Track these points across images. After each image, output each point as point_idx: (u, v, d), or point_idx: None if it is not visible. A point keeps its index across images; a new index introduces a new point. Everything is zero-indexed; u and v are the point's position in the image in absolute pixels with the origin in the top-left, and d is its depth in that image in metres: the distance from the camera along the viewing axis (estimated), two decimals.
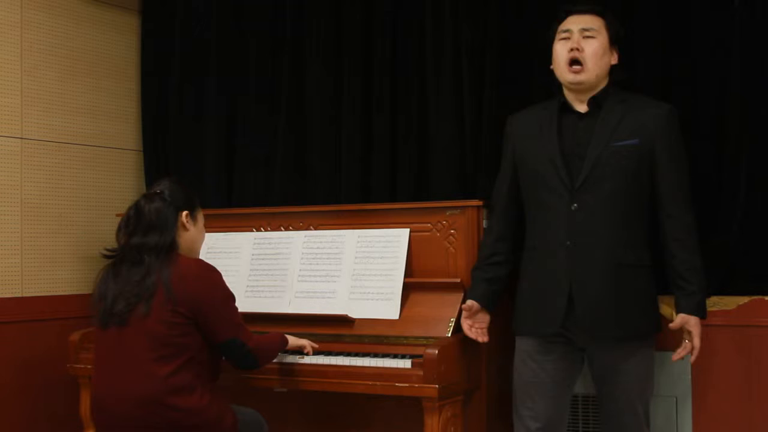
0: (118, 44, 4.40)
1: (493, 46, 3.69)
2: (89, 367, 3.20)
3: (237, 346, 2.95)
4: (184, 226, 3.00)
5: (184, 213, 3.00)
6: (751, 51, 3.32)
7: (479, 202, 3.39)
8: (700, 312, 2.93)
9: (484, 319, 3.18)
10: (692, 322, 2.91)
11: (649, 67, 3.42)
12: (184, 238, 3.00)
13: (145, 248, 2.90)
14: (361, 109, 3.95)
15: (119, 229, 3.00)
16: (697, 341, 2.91)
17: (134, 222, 2.95)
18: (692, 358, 2.95)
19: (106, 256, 2.99)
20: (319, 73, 4.04)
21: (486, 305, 3.17)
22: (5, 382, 3.81)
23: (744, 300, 3.31)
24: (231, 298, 2.98)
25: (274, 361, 3.24)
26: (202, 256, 3.71)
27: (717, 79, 3.38)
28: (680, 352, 2.93)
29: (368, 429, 3.55)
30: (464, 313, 3.16)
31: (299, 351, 3.26)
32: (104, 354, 2.91)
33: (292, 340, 3.22)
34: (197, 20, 4.35)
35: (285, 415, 3.60)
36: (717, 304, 3.33)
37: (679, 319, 2.92)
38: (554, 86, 3.17)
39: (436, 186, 3.78)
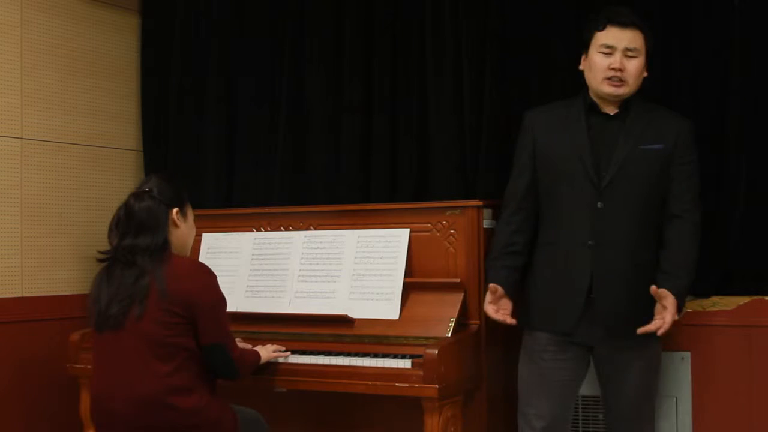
0: (118, 44, 4.39)
1: (494, 46, 3.68)
2: (89, 367, 3.20)
3: (221, 352, 2.92)
4: (174, 224, 2.98)
5: (175, 210, 2.98)
6: (751, 51, 3.32)
7: (479, 202, 3.39)
8: (680, 298, 2.91)
9: (508, 305, 3.12)
10: (670, 300, 2.88)
11: (649, 67, 3.41)
12: (176, 236, 2.98)
13: (137, 249, 2.88)
14: (361, 109, 3.95)
15: (110, 230, 2.97)
16: (668, 318, 2.88)
17: (125, 223, 2.93)
18: (660, 332, 2.89)
19: (100, 260, 2.97)
20: (319, 73, 4.04)
21: (509, 292, 3.11)
22: (5, 382, 3.81)
23: (744, 300, 3.32)
24: (223, 302, 2.96)
25: (276, 360, 3.25)
26: (202, 256, 3.75)
27: (717, 79, 3.38)
28: (649, 327, 2.89)
29: (368, 429, 3.55)
30: (488, 297, 3.09)
31: (295, 352, 3.25)
32: (102, 356, 2.91)
33: (264, 355, 3.21)
34: (197, 20, 4.34)
35: (285, 415, 3.60)
36: (717, 304, 3.34)
37: (661, 291, 2.88)
38: (554, 86, 3.18)
39: (436, 186, 3.78)
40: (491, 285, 3.09)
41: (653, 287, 2.89)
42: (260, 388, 3.39)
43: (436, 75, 3.79)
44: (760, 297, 3.30)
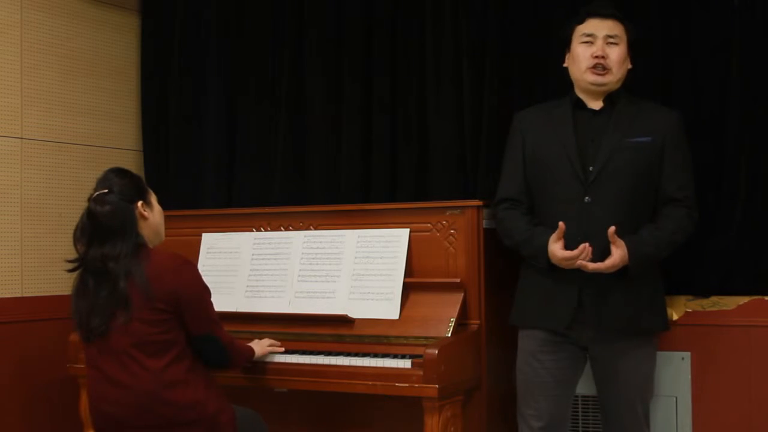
0: (118, 44, 4.39)
1: (494, 46, 3.68)
2: None
3: (211, 341, 2.91)
4: (143, 216, 2.90)
5: (140, 204, 2.90)
6: (751, 51, 3.32)
7: (479, 202, 3.39)
8: (633, 257, 2.86)
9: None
10: (620, 250, 2.84)
11: (649, 67, 3.42)
12: (147, 227, 2.92)
13: (108, 257, 2.81)
14: (361, 109, 3.95)
15: (75, 238, 2.88)
16: (603, 265, 2.84)
17: (90, 231, 2.84)
18: (587, 268, 2.85)
19: (69, 270, 2.91)
20: (319, 73, 4.04)
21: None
22: (5, 382, 3.81)
23: (744, 300, 3.32)
24: (207, 292, 2.93)
25: (276, 360, 3.25)
26: (202, 256, 3.75)
27: (717, 79, 3.38)
28: (587, 264, 2.84)
29: (368, 429, 3.55)
30: (554, 237, 2.91)
31: (296, 352, 3.25)
32: (95, 363, 2.88)
33: (258, 349, 3.21)
34: (197, 20, 4.34)
35: (285, 415, 3.60)
36: (717, 304, 3.34)
37: (616, 237, 2.84)
38: (554, 86, 3.18)
39: (436, 186, 3.78)
40: (558, 232, 2.89)
41: (610, 228, 2.83)
42: (260, 388, 3.39)
43: (435, 75, 3.79)
44: (760, 297, 3.30)
